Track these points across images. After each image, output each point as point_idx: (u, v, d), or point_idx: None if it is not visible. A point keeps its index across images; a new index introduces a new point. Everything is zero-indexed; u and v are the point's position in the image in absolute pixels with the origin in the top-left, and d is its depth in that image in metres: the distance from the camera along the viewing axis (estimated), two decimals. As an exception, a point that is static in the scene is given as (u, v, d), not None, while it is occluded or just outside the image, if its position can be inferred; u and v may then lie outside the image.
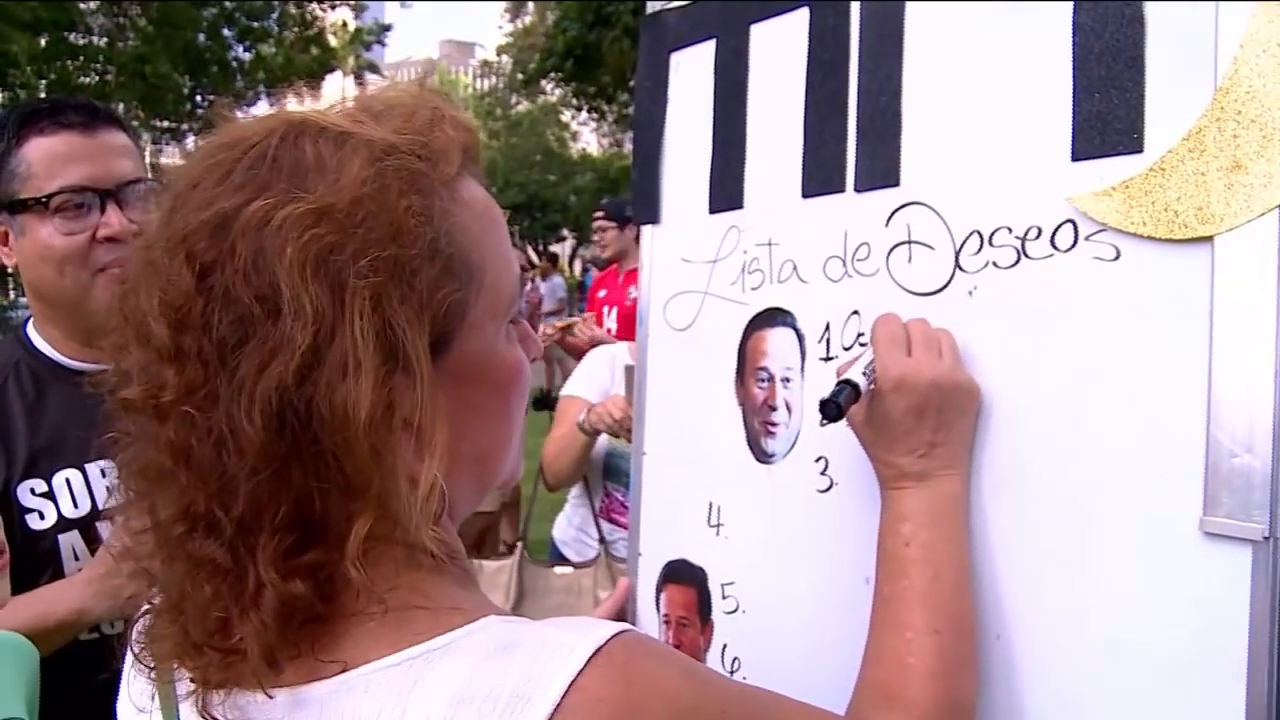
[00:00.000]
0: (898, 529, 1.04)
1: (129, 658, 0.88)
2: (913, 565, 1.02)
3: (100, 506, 1.67)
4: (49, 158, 1.68)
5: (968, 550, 1.05)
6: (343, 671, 0.75)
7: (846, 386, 1.05)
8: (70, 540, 1.68)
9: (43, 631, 1.52)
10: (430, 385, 0.75)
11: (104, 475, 1.69)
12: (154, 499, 0.79)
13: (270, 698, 0.76)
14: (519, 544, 3.04)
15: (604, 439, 3.06)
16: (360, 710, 0.73)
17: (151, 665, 0.83)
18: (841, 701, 1.01)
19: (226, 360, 0.72)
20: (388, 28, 27.83)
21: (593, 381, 3.16)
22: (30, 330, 1.81)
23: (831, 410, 1.04)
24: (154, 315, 0.75)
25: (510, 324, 0.88)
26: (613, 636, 0.74)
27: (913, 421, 1.04)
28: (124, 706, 0.93)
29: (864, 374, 1.06)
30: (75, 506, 1.69)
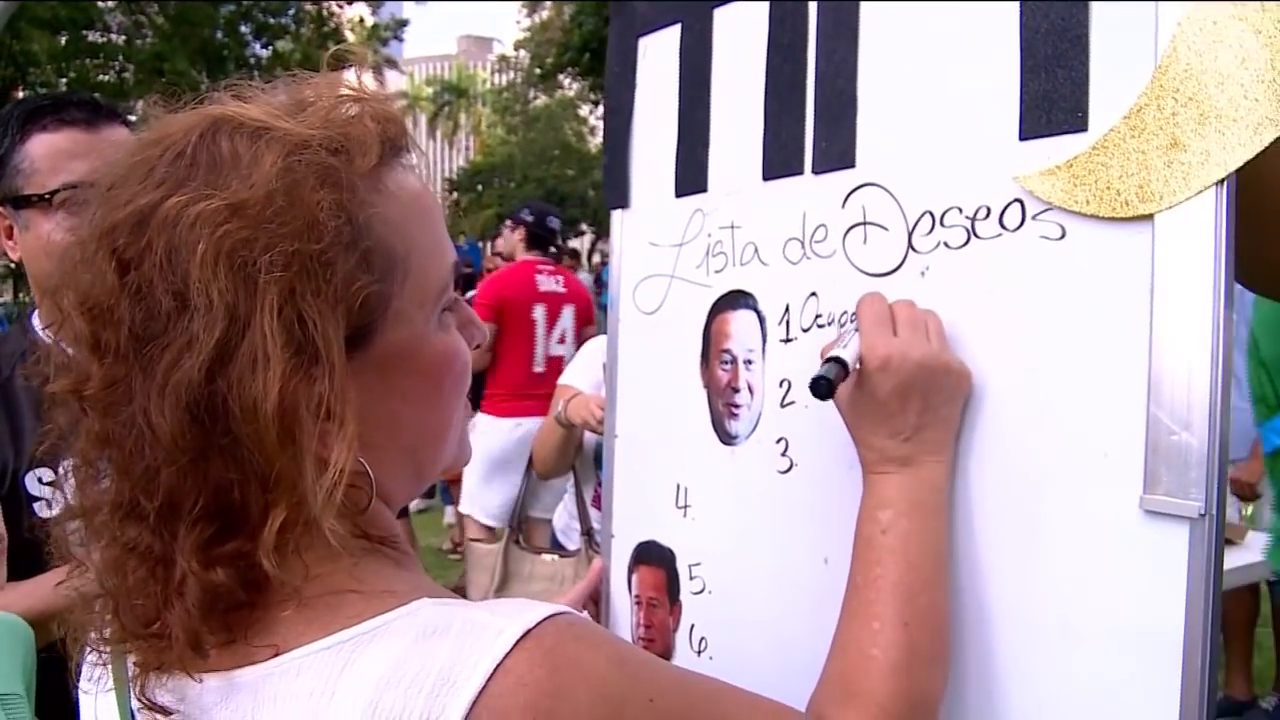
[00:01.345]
0: (875, 515, 1.02)
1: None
2: (887, 554, 1.00)
3: None
4: (52, 154, 1.71)
5: (946, 541, 1.03)
6: (275, 655, 0.77)
7: (835, 364, 1.02)
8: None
9: (56, 611, 1.55)
10: (342, 377, 0.75)
11: None
12: (87, 489, 0.82)
13: (199, 682, 0.78)
14: (508, 528, 3.06)
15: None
16: (292, 691, 0.75)
17: (103, 650, 0.85)
18: (801, 680, 1.02)
19: (142, 354, 0.74)
20: (405, 23, 27.92)
21: (590, 372, 3.14)
22: (35, 321, 1.83)
23: (823, 388, 1.01)
24: (78, 310, 0.77)
25: (446, 311, 0.89)
26: (544, 619, 0.75)
27: (897, 404, 1.01)
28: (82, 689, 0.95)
29: (845, 349, 1.03)
30: None
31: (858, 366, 1.03)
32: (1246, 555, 3.48)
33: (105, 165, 0.84)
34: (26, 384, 1.73)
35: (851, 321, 1.07)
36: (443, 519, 7.85)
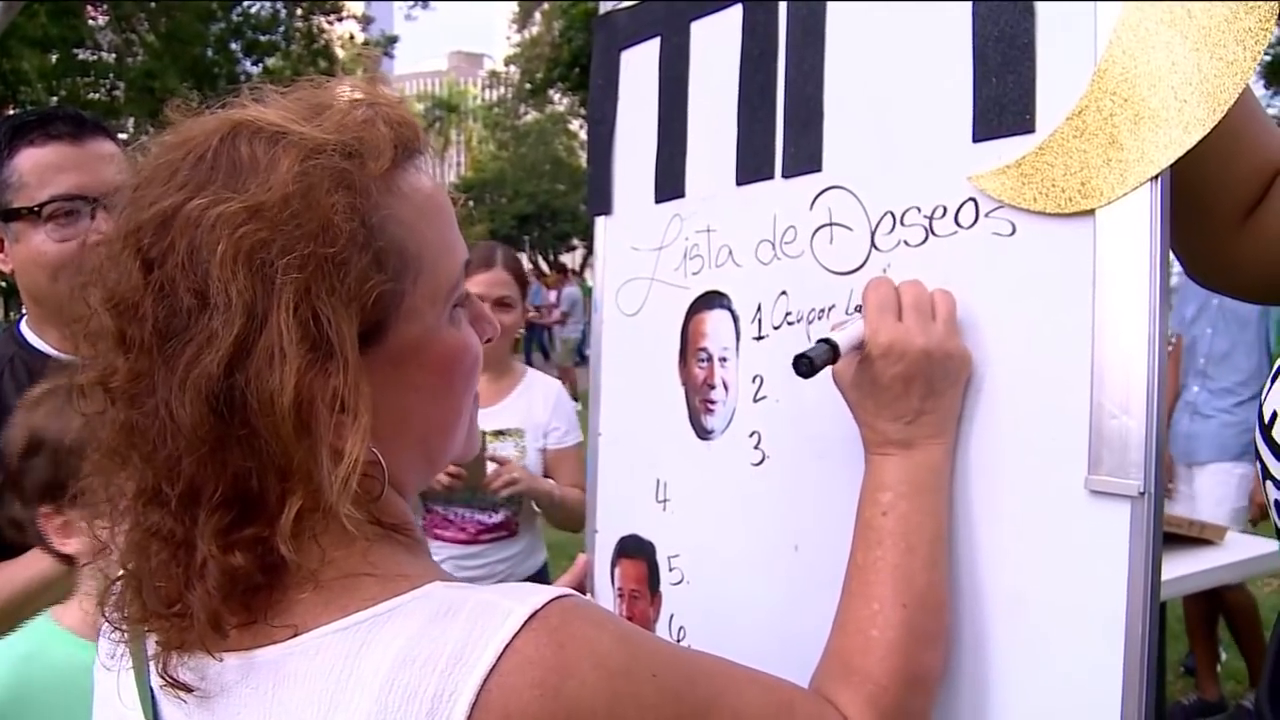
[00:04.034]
0: (876, 497, 1.05)
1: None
2: (887, 536, 1.03)
3: None
4: (40, 168, 1.77)
5: (946, 523, 1.06)
6: (294, 636, 0.80)
7: (825, 345, 1.04)
8: None
9: (28, 593, 1.63)
10: (356, 371, 0.78)
11: None
12: (112, 475, 0.85)
13: (219, 661, 0.81)
14: None
15: None
16: (311, 670, 0.78)
17: (123, 629, 0.89)
18: (774, 665, 1.06)
19: (164, 349, 0.78)
20: (395, 39, 28.03)
21: None
22: (24, 328, 1.89)
23: (804, 366, 1.03)
24: (104, 306, 0.81)
25: (457, 307, 0.92)
26: (550, 601, 0.78)
27: (900, 388, 1.03)
28: (97, 665, 0.99)
29: (843, 332, 1.06)
30: None
31: (858, 350, 1.05)
32: (1225, 555, 3.53)
33: (136, 165, 0.87)
34: (15, 386, 1.79)
35: (858, 307, 1.09)
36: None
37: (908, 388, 1.03)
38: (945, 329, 1.04)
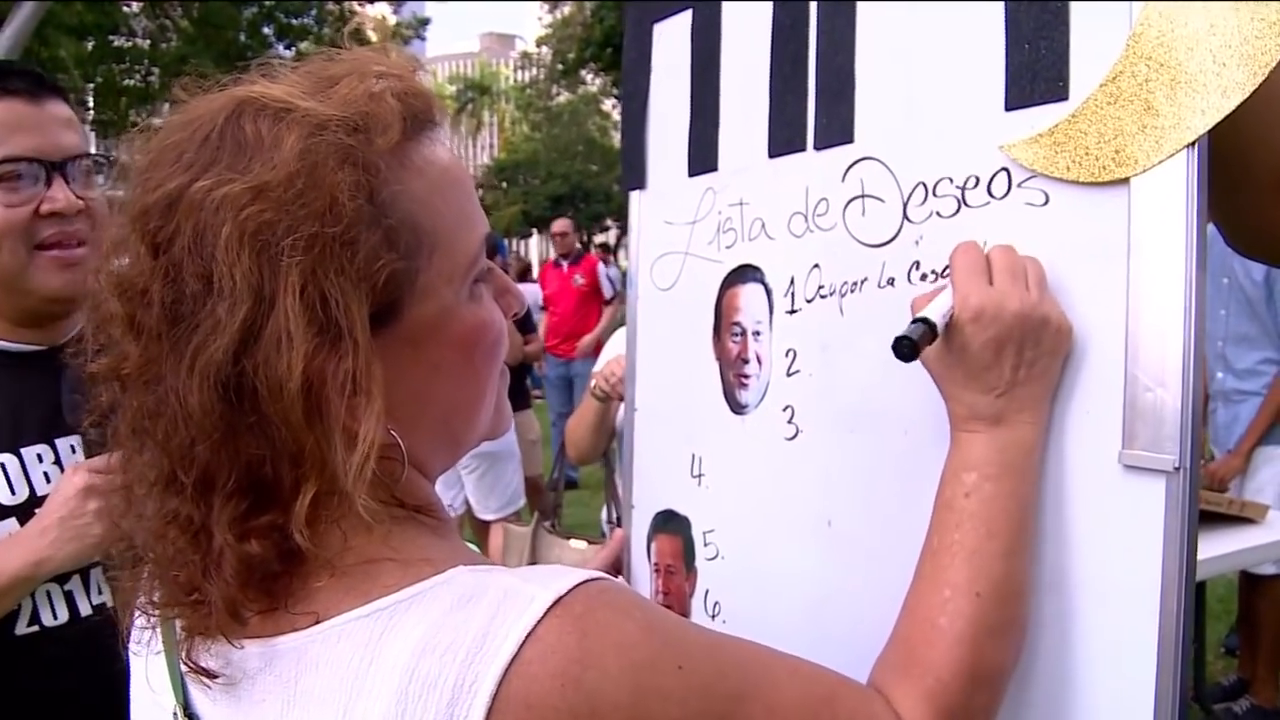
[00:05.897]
0: (960, 477, 0.99)
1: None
2: (968, 519, 0.97)
3: (39, 493, 1.57)
4: None
5: (1033, 507, 1.00)
6: (316, 623, 0.79)
7: (921, 324, 0.97)
8: (8, 529, 1.56)
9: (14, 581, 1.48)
10: (367, 353, 0.77)
11: (40, 461, 1.60)
12: (131, 462, 0.85)
13: (240, 648, 0.81)
14: (537, 514, 3.09)
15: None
16: (333, 658, 0.77)
17: (152, 613, 0.88)
18: (808, 642, 1.06)
19: (173, 335, 0.77)
20: (426, 21, 28.07)
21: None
22: None
23: (905, 349, 0.96)
24: (115, 291, 0.80)
25: (478, 283, 0.89)
26: (576, 586, 0.76)
27: (991, 356, 0.97)
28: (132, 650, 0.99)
29: (935, 306, 0.99)
30: (13, 493, 1.58)
31: (949, 320, 0.99)
32: (1267, 534, 3.48)
33: (146, 145, 0.85)
34: None
35: (947, 273, 1.04)
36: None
37: (999, 355, 0.97)
38: (1040, 294, 0.98)
